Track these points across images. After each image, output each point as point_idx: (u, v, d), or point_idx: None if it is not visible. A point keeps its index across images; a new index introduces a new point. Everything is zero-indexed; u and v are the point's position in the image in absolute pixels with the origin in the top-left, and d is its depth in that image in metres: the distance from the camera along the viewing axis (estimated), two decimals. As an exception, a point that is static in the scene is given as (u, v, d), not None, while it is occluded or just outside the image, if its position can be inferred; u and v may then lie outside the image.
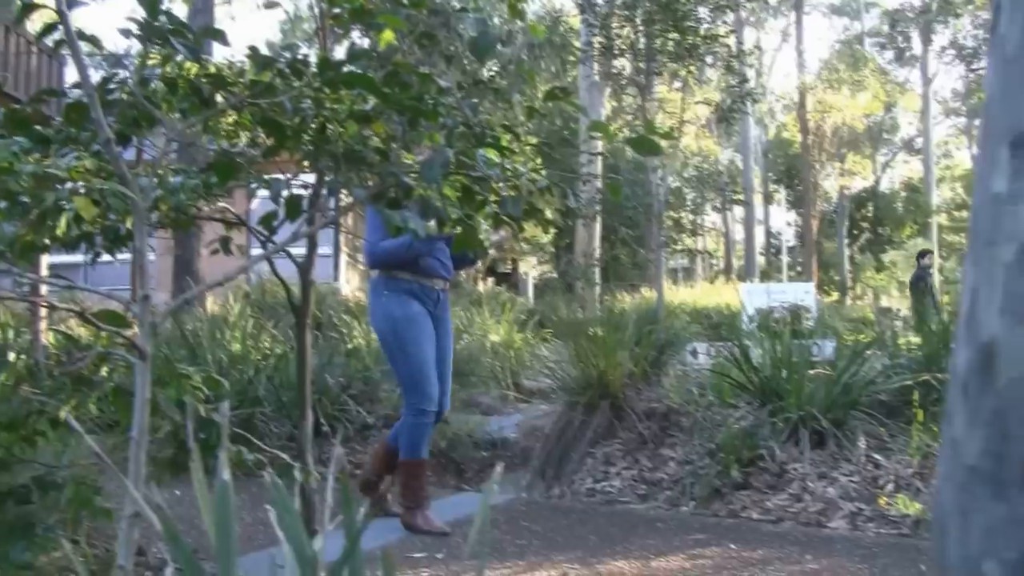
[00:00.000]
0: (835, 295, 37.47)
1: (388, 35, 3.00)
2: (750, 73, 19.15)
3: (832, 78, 44.26)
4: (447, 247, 5.96)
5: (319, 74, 2.52)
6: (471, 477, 8.07)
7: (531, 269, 27.47)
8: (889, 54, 47.58)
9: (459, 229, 2.80)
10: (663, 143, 2.70)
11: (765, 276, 40.72)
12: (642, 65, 13.26)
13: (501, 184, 2.67)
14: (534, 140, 3.34)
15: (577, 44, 16.54)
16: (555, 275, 26.83)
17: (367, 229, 5.89)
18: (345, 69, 2.51)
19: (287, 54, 2.67)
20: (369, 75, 2.56)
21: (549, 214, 2.78)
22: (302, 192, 2.85)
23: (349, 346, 10.69)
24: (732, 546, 5.76)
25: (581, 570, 5.23)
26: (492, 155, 2.75)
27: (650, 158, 13.33)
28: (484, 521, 1.63)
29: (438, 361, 5.99)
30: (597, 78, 16.65)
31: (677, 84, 15.99)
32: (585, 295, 17.56)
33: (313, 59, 2.64)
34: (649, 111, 13.49)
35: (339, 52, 3.21)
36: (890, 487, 6.63)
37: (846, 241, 44.30)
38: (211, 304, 14.58)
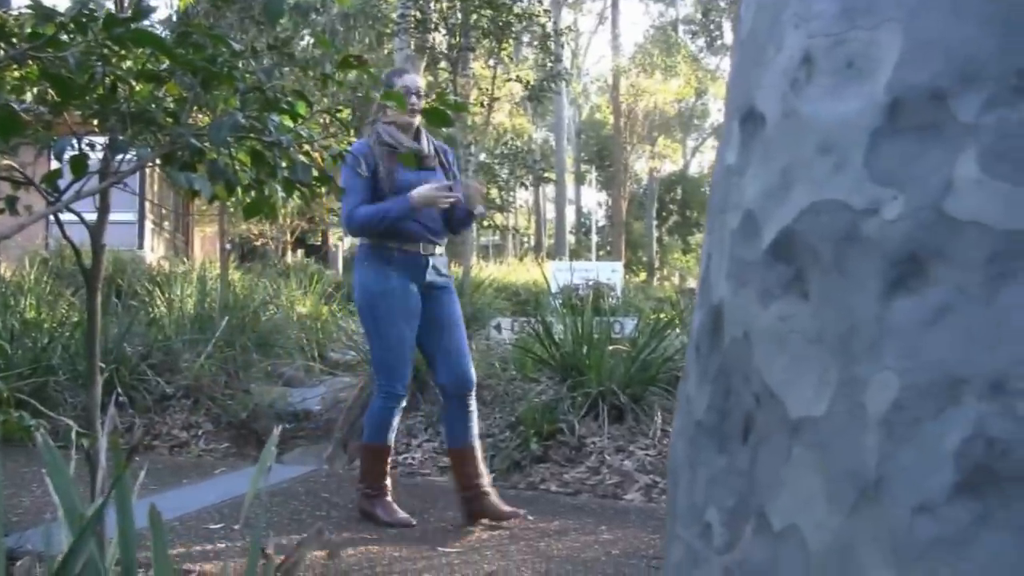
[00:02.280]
0: (643, 275, 38.28)
1: (188, -5, 2.95)
2: (565, 54, 19.33)
3: (646, 62, 45.07)
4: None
5: (105, 30, 2.45)
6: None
7: (340, 241, 27.25)
8: (701, 41, 48.76)
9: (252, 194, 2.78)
10: (475, 117, 2.73)
11: (575, 255, 41.31)
12: (455, 40, 13.31)
13: (292, 150, 2.64)
14: (346, 111, 3.32)
15: (394, 16, 16.46)
16: (365, 248, 26.66)
17: (344, 196, 5.45)
18: (133, 26, 2.44)
19: (83, 8, 2.59)
20: (158, 33, 2.50)
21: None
22: (89, 151, 2.77)
23: (151, 315, 10.44)
24: (530, 517, 5.85)
25: (378, 541, 5.24)
26: (287, 121, 2.73)
27: (463, 134, 13.38)
28: (256, 489, 1.62)
29: (447, 330, 5.58)
30: (412, 51, 16.59)
31: (493, 61, 16.06)
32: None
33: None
34: (462, 86, 13.54)
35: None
36: (683, 459, 6.84)
37: (655, 223, 45.28)
38: (5, 270, 14.00)
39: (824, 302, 0.98)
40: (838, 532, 0.93)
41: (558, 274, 15.11)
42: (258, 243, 22.65)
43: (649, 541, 5.41)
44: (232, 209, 12.55)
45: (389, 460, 5.73)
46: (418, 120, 5.45)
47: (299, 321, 11.96)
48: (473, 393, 5.62)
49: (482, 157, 17.75)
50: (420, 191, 5.27)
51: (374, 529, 5.45)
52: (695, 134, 51.78)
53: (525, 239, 48.96)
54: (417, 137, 5.53)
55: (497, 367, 8.43)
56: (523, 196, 46.02)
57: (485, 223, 21.65)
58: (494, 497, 5.59)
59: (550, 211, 49.32)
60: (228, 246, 15.94)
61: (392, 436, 5.65)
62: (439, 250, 5.60)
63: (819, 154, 1.01)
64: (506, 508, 5.55)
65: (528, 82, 15.33)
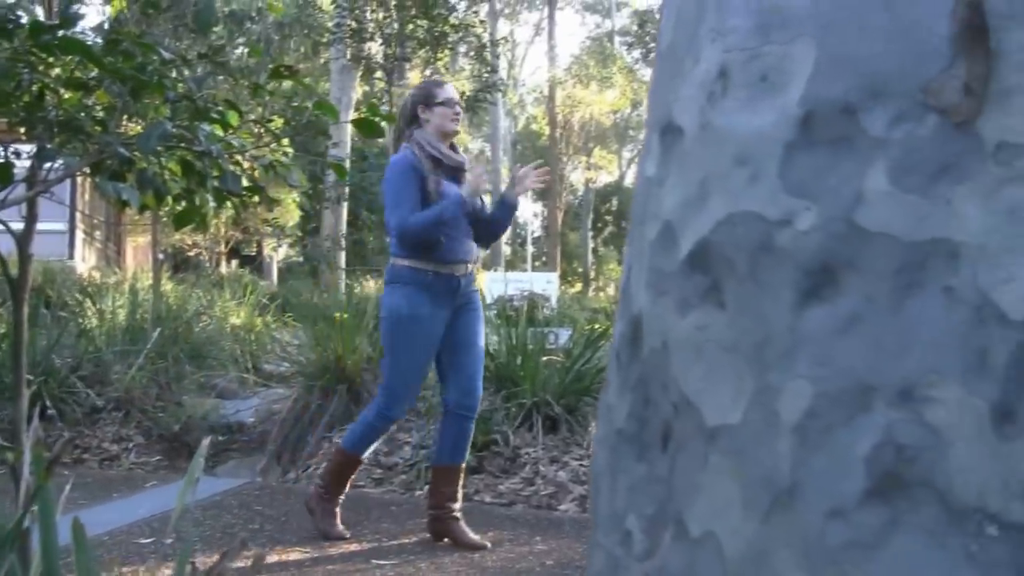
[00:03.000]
0: (578, 286, 38.39)
1: (118, 2, 2.92)
2: (502, 64, 19.42)
3: (582, 73, 45.29)
4: (470, 225, 5.30)
5: (31, 37, 2.41)
6: (205, 461, 7.91)
7: (275, 252, 27.10)
8: (637, 53, 49.02)
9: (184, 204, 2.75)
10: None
11: (511, 265, 41.34)
12: (391, 50, 13.30)
13: (223, 160, 2.62)
14: (279, 121, 3.30)
15: (329, 26, 16.38)
16: (300, 259, 26.55)
17: (387, 203, 5.23)
18: (61, 33, 2.41)
19: (8, 14, 2.55)
20: (85, 41, 2.47)
21: (296, 197, 2.75)
22: (15, 159, 2.73)
23: (81, 326, 10.29)
24: (488, 545, 5.83)
25: (312, 553, 5.21)
26: (217, 130, 2.71)
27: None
28: (184, 502, 1.60)
29: (463, 349, 5.37)
30: (348, 61, 16.52)
31: (429, 71, 16.07)
32: (329, 279, 17.47)
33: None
34: (398, 96, 13.53)
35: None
36: (616, 469, 6.86)
37: (590, 233, 45.47)
38: (-70, 281, 13.73)
39: (739, 311, 0.99)
40: (753, 538, 0.94)
41: (493, 285, 15.10)
42: (191, 253, 22.44)
43: (584, 552, 5.42)
44: (165, 219, 12.42)
45: (354, 474, 5.67)
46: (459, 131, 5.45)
47: (233, 332, 11.85)
48: (474, 415, 5.53)
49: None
50: (470, 182, 5.17)
51: (308, 541, 5.41)
52: (631, 145, 51.99)
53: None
54: (453, 150, 5.44)
55: (431, 378, 8.40)
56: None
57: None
58: (463, 524, 5.50)
59: (486, 222, 49.30)
60: (161, 256, 15.78)
61: (367, 452, 5.58)
62: (471, 268, 5.39)
63: (735, 166, 1.03)
64: (473, 537, 5.44)
65: (464, 92, 15.35)
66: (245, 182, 2.75)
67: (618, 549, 1.08)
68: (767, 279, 0.98)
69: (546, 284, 17.02)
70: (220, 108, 2.69)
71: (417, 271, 5.18)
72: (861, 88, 0.97)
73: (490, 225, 5.45)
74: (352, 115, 15.54)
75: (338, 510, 5.56)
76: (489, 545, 5.44)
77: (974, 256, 0.89)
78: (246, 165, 2.88)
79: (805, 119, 1.00)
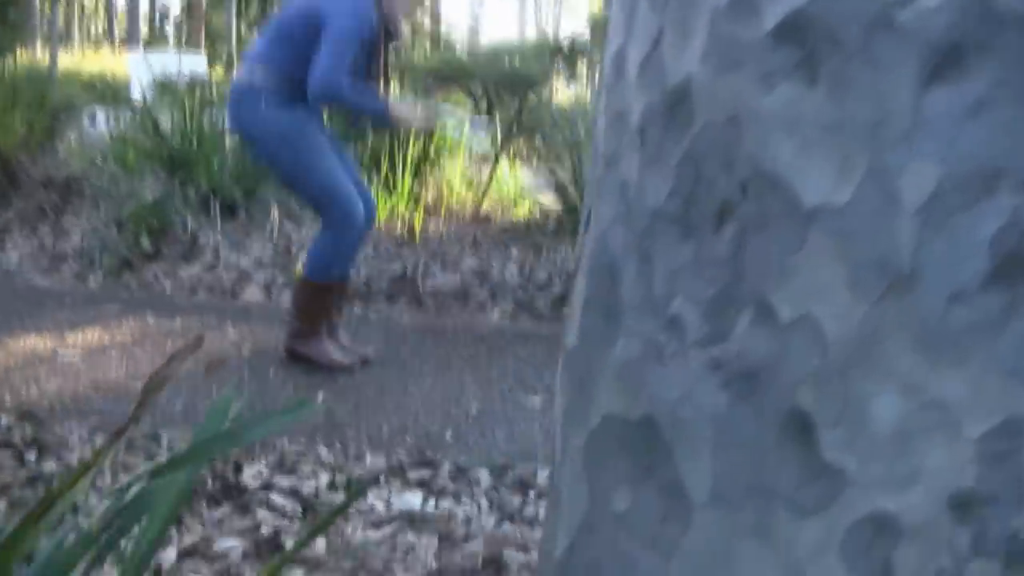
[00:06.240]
0: (221, 69, 37.18)
1: None
2: None
3: None
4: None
5: None
6: None
7: None
8: None
9: None
10: None
11: (148, 45, 39.44)
12: None
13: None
14: None
15: None
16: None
17: (329, 47, 4.54)
18: None
19: None
20: None
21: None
22: None
23: None
24: (150, 318, 5.69)
25: (-14, 345, 4.93)
26: None
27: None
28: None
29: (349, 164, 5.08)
30: None
31: None
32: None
33: None
34: None
35: None
36: (303, 256, 6.84)
37: (235, 17, 43.90)
38: None
39: (843, 89, 0.95)
40: (863, 321, 0.93)
41: (140, 66, 14.36)
42: None
43: (275, 336, 5.40)
44: None
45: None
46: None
47: None
48: None
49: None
50: (402, 110, 4.79)
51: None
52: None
53: (96, 27, 46.26)
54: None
55: (98, 162, 7.99)
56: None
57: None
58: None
59: (120, -2, 46.70)
60: None
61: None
62: None
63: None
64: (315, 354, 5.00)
65: None
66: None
67: (661, 335, 1.04)
68: (883, 57, 0.93)
69: (194, 66, 16.42)
70: None
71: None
72: None
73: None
74: None
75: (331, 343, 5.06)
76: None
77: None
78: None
79: None
